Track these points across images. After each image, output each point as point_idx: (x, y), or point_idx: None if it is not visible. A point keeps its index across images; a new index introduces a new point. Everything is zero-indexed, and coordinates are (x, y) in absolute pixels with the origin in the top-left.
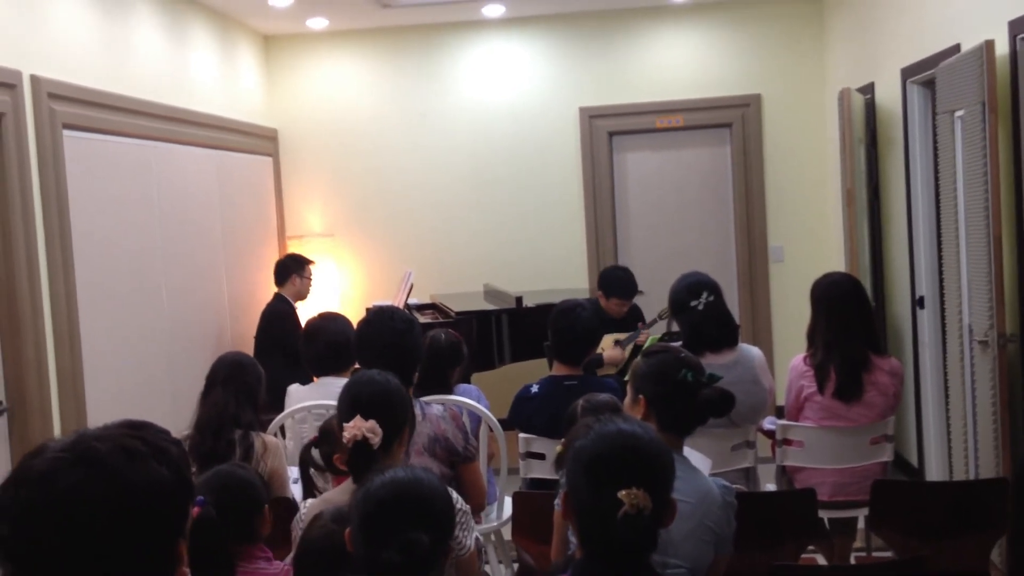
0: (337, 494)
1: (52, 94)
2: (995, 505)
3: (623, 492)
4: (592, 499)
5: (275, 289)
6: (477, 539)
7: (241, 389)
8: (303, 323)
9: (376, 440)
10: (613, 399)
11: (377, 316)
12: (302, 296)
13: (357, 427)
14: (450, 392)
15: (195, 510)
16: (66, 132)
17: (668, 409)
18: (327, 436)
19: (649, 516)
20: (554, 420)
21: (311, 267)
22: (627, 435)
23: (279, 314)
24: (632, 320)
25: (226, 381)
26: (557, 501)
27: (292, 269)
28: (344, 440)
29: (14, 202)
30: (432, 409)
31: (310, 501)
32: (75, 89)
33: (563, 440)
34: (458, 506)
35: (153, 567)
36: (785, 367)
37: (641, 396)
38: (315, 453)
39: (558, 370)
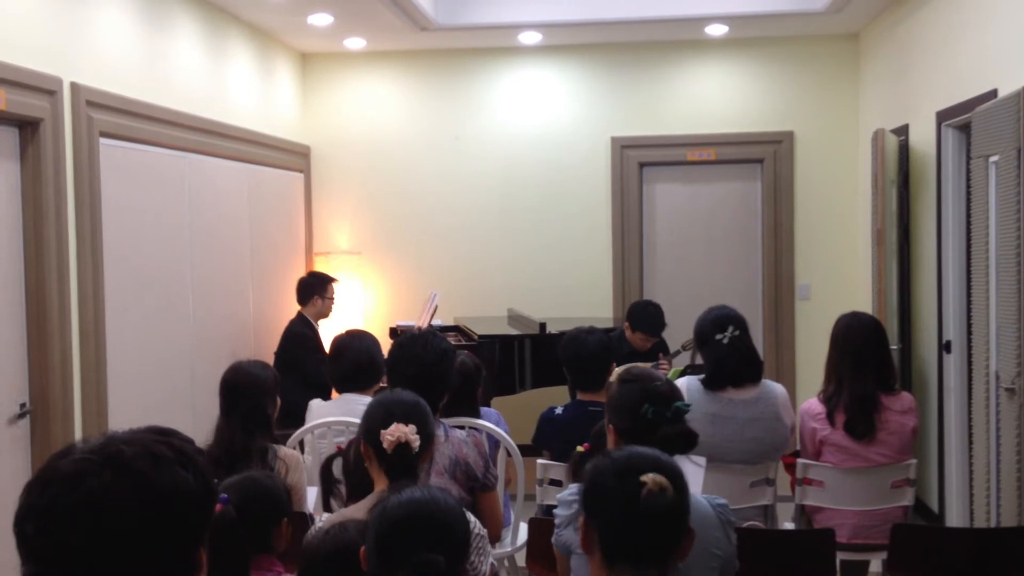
0: (354, 511)
1: (91, 102)
2: (1017, 554)
3: (648, 477)
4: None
5: (298, 307)
6: (492, 565)
7: (248, 413)
8: (327, 340)
9: (417, 444)
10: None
11: (410, 342)
12: (324, 315)
13: (400, 431)
14: (477, 414)
15: (216, 507)
16: (103, 140)
17: (633, 443)
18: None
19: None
20: (576, 446)
21: (334, 286)
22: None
23: (299, 337)
24: (658, 352)
25: (231, 408)
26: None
27: (315, 289)
28: (385, 446)
29: (48, 207)
30: (455, 433)
31: (325, 516)
32: (114, 98)
33: (585, 444)
34: (476, 531)
35: (174, 572)
36: None
37: (611, 426)
38: (335, 467)
39: (583, 396)
